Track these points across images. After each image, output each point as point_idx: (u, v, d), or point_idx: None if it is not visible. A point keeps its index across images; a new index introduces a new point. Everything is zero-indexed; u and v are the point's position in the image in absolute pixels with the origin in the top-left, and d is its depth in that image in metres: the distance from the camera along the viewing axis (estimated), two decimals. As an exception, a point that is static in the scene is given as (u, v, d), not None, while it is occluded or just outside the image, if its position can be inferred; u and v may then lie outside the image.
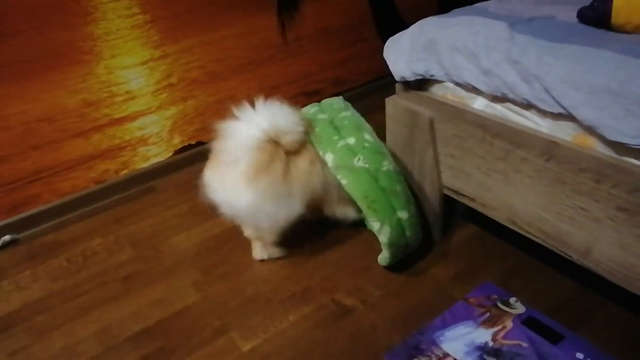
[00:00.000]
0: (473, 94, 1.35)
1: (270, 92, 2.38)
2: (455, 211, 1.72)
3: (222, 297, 1.49)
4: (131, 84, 1.95)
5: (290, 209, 1.43)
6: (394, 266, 1.51)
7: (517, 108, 1.24)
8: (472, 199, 1.45)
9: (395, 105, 1.55)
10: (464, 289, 1.42)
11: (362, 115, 1.63)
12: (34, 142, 1.80)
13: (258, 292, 1.50)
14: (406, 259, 1.53)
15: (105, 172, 2.01)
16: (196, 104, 2.16)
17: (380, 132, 1.59)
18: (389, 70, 1.52)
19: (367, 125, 1.57)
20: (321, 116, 1.60)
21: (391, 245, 1.42)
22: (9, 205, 1.84)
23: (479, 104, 1.34)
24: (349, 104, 1.69)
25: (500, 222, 1.39)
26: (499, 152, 1.29)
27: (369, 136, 1.50)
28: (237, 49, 2.19)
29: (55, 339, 1.41)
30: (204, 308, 1.45)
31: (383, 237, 1.41)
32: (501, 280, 1.43)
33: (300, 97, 2.47)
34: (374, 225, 1.40)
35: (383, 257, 1.48)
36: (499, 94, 1.24)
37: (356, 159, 1.42)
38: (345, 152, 1.44)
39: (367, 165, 1.42)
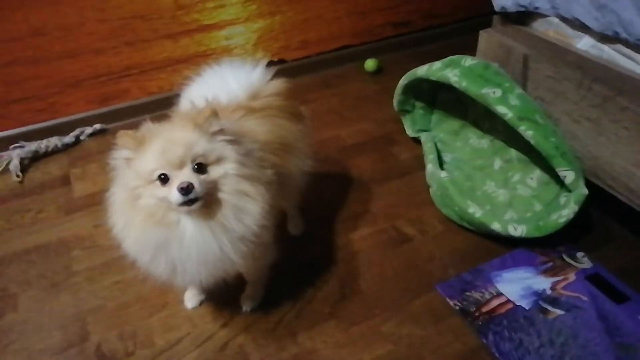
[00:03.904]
0: (579, 32, 1.24)
1: (358, 17, 2.32)
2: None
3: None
4: (223, -9, 1.96)
5: None
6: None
7: (628, 51, 1.14)
8: (556, 147, 1.37)
9: (489, 38, 1.46)
10: (529, 236, 1.38)
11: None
12: (127, 38, 1.88)
13: (320, 209, 1.53)
14: (473, 200, 1.49)
15: (189, 78, 2.07)
16: (283, 19, 2.14)
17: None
18: (488, 7, 1.42)
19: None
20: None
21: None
22: (102, 97, 1.96)
23: (584, 43, 1.23)
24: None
25: (582, 174, 1.31)
26: (596, 98, 1.20)
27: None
28: (331, -34, 2.12)
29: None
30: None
31: (583, 189, 1.24)
32: (570, 235, 1.36)
33: (387, 26, 2.38)
34: (569, 176, 1.24)
35: (570, 211, 1.24)
36: (609, 33, 1.13)
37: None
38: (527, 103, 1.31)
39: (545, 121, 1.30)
